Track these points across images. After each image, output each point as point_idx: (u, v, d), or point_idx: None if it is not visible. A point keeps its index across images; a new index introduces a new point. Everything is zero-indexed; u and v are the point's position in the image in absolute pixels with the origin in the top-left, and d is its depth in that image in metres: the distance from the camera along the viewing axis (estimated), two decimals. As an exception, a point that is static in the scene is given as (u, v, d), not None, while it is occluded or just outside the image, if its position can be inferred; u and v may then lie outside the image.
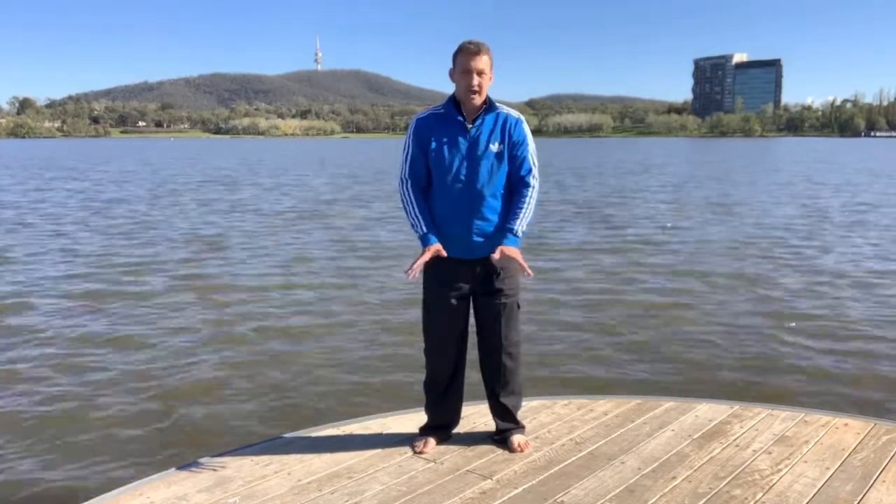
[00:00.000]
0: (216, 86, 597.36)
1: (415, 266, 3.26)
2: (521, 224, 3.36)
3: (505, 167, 3.38)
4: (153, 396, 5.65)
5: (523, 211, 3.37)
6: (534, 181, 3.42)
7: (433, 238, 3.34)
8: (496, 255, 3.24)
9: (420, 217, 3.38)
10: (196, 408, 5.43)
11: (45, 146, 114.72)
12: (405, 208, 3.43)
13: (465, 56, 3.26)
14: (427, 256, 3.28)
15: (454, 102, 3.37)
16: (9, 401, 5.55)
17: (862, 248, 12.68)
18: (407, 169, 3.42)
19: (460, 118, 3.34)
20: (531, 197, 3.40)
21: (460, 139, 3.32)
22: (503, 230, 3.35)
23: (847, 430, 3.69)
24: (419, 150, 3.40)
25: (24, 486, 4.30)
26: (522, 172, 3.40)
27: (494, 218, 3.36)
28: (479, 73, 3.26)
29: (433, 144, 3.35)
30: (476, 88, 3.27)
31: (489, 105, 3.36)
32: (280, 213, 18.79)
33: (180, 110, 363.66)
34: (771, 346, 6.88)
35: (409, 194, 3.41)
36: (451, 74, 3.35)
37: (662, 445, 3.52)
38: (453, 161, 3.31)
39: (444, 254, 3.29)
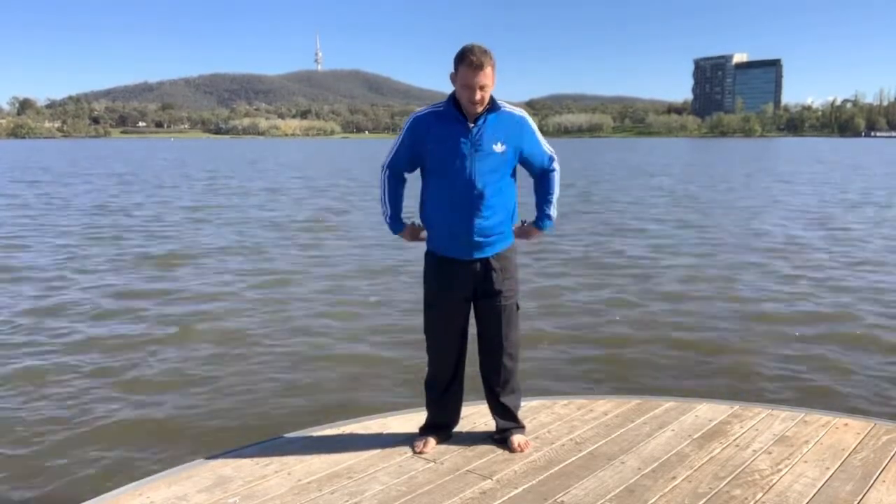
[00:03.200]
0: (216, 86, 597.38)
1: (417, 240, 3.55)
2: (554, 207, 3.58)
3: (508, 166, 3.37)
4: (153, 396, 5.64)
5: (553, 195, 3.58)
6: (556, 165, 3.57)
7: (398, 225, 3.57)
8: (528, 232, 3.58)
9: (389, 204, 3.56)
10: (196, 408, 5.43)
11: (39, 147, 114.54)
12: (380, 193, 3.59)
13: (467, 70, 3.16)
14: (416, 239, 3.56)
15: (455, 101, 3.31)
16: (9, 401, 5.55)
17: (870, 251, 12.67)
18: (390, 159, 3.49)
19: (462, 117, 3.29)
20: (557, 180, 3.58)
21: (462, 139, 3.27)
22: (539, 215, 3.58)
23: (847, 430, 3.68)
24: (409, 146, 3.40)
25: (24, 486, 4.30)
26: (546, 164, 3.53)
27: (496, 218, 3.35)
28: (482, 88, 3.19)
29: (433, 144, 3.31)
30: (478, 103, 3.23)
31: (492, 104, 3.31)
32: (276, 214, 18.80)
33: (180, 110, 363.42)
34: (771, 347, 6.87)
35: (385, 181, 3.54)
36: (453, 79, 3.27)
37: (662, 445, 3.52)
38: (454, 161, 3.28)
39: (422, 236, 3.55)
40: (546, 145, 3.52)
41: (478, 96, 3.21)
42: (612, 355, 6.67)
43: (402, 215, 3.59)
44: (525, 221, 3.60)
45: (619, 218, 17.44)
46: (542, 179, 3.55)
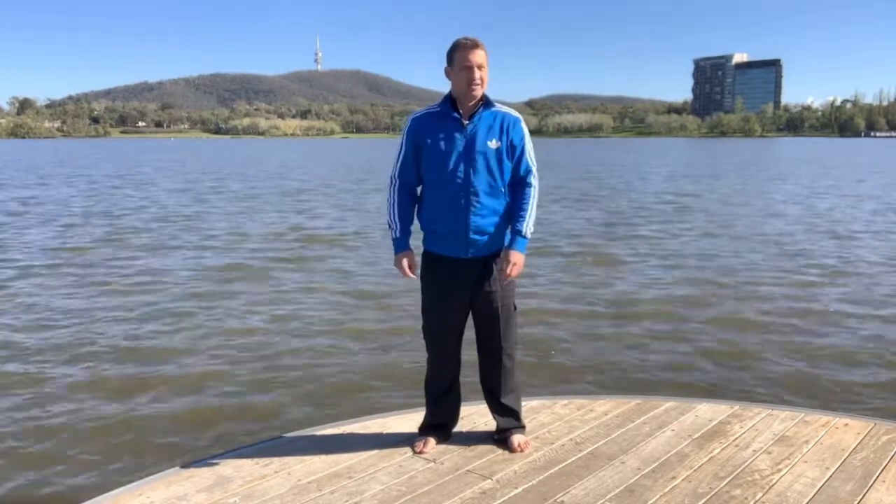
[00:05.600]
0: (216, 86, 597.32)
1: (406, 275, 3.43)
2: (528, 225, 3.39)
3: (505, 165, 3.37)
4: (152, 397, 5.64)
5: (528, 212, 3.40)
6: (534, 181, 3.45)
7: (404, 245, 3.44)
8: (505, 269, 3.34)
9: (398, 220, 3.44)
10: (196, 408, 5.42)
11: (37, 147, 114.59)
12: (388, 208, 3.48)
13: (463, 51, 3.26)
14: (407, 273, 3.42)
15: (450, 100, 3.35)
16: (9, 401, 5.55)
17: (872, 251, 12.67)
18: (398, 169, 3.44)
19: (457, 115, 3.32)
20: (533, 197, 3.43)
21: (457, 135, 3.30)
22: (511, 233, 3.40)
23: (847, 430, 3.69)
24: (413, 149, 3.40)
25: (23, 486, 4.30)
26: (522, 173, 3.42)
27: (492, 216, 3.35)
28: (479, 67, 3.26)
29: (429, 141, 3.34)
30: (478, 81, 3.26)
31: (486, 102, 3.35)
32: (275, 207, 18.79)
33: (180, 110, 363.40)
34: (771, 347, 6.87)
35: (394, 195, 3.46)
36: (448, 73, 3.33)
37: (662, 445, 3.52)
38: (450, 158, 3.30)
39: (412, 275, 3.43)
40: (531, 157, 3.46)
41: (476, 74, 3.25)
42: (613, 355, 6.66)
43: (410, 239, 3.47)
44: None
45: (619, 218, 17.43)
46: (516, 192, 3.42)
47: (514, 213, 3.41)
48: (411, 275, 3.45)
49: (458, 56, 3.27)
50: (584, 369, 6.29)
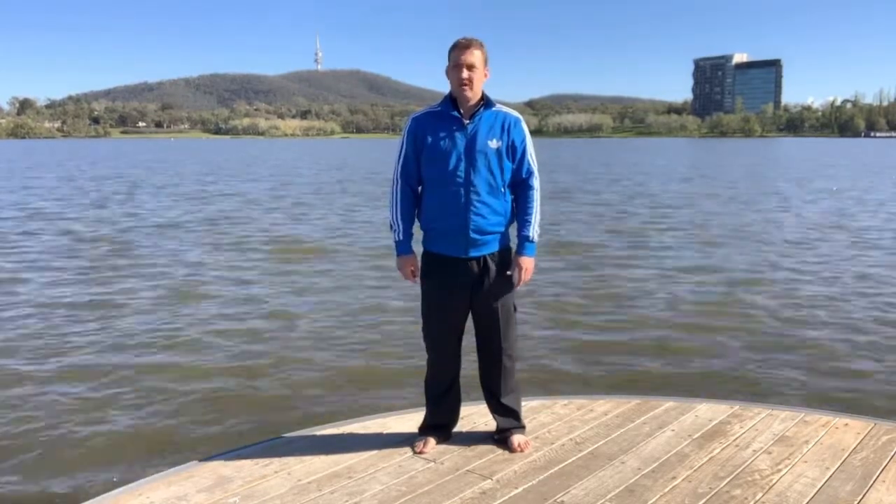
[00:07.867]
0: (216, 86, 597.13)
1: (408, 280, 3.50)
2: (534, 229, 3.42)
3: (506, 164, 3.37)
4: (152, 397, 5.64)
5: (532, 216, 3.42)
6: (536, 182, 3.46)
7: (407, 248, 3.46)
8: (517, 275, 3.40)
9: (400, 221, 3.44)
10: (196, 408, 5.43)
11: (37, 147, 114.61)
12: (390, 208, 3.48)
13: (456, 51, 3.31)
14: (409, 277, 3.48)
15: (451, 100, 3.37)
16: (10, 401, 5.55)
17: (875, 250, 12.67)
18: (399, 169, 3.44)
19: (457, 114, 3.33)
20: (536, 200, 3.45)
21: (457, 135, 3.31)
22: (519, 239, 3.42)
23: (847, 430, 3.69)
24: (413, 149, 3.41)
25: (24, 486, 4.30)
26: (524, 175, 3.42)
27: (492, 215, 3.35)
28: (470, 67, 3.27)
29: (429, 140, 3.34)
30: (466, 82, 3.27)
31: (486, 102, 3.36)
32: (278, 205, 18.80)
33: (180, 110, 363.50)
34: (772, 346, 6.87)
35: (397, 195, 3.46)
36: (447, 73, 3.36)
37: (662, 445, 3.52)
38: (450, 157, 3.30)
39: (414, 279, 3.47)
40: (533, 158, 3.46)
41: (465, 75, 3.27)
42: (613, 355, 6.66)
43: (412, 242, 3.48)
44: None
45: (620, 218, 17.44)
46: (518, 195, 3.44)
47: (519, 217, 3.44)
48: (413, 279, 3.47)
49: (452, 55, 3.31)
50: (584, 369, 6.29)
